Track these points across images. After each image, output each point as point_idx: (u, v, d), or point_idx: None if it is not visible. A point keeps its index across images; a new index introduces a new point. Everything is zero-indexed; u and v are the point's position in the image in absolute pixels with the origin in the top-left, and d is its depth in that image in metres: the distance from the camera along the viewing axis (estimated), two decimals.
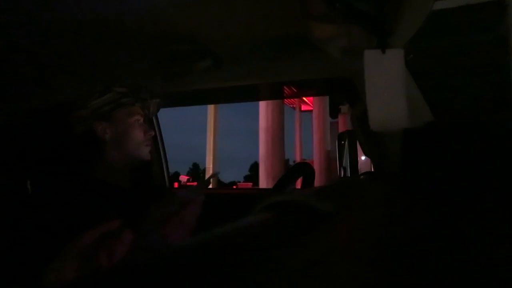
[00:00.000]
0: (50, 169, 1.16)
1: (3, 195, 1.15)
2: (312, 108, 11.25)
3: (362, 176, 1.12)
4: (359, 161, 1.32)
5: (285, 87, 1.47)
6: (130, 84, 1.05)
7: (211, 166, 9.96)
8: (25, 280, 0.71)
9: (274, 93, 1.52)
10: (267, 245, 0.36)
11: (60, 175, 1.09)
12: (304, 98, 12.74)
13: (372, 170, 1.11)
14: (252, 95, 1.48)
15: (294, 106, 14.07)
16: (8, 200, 1.11)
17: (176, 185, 2.69)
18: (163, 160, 1.58)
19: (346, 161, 1.22)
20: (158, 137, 1.57)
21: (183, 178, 9.92)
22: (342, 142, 1.26)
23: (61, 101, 1.10)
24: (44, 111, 1.21)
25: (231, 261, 0.31)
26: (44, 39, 0.83)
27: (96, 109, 0.99)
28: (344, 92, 1.39)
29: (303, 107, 14.25)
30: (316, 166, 8.65)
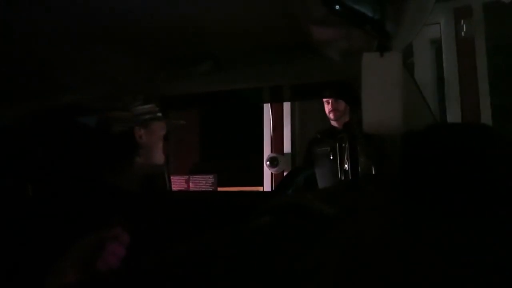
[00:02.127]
0: (60, 171, 1.16)
1: (6, 198, 1.15)
2: None
3: (363, 179, 1.12)
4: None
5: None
6: (126, 87, 1.08)
7: None
8: (27, 283, 0.71)
9: (275, 96, 1.53)
10: (270, 248, 0.36)
11: (69, 178, 1.10)
12: None
13: (373, 173, 1.11)
14: (253, 98, 1.48)
15: None
16: (11, 202, 1.11)
17: None
18: (164, 164, 1.58)
19: (347, 164, 1.22)
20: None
21: None
22: (343, 145, 1.26)
23: (63, 102, 1.11)
24: (51, 111, 1.22)
25: (235, 264, 0.31)
26: (45, 40, 0.83)
27: (138, 115, 1.07)
28: (344, 95, 1.39)
29: None
30: None
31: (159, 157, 1.10)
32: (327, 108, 2.17)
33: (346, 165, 1.21)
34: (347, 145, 1.20)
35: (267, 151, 3.04)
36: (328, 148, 2.05)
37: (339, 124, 2.14)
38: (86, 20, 0.74)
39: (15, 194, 1.20)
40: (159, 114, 1.11)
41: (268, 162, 2.86)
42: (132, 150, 1.05)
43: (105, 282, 0.31)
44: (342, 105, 2.10)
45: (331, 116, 2.15)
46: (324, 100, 2.18)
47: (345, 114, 2.12)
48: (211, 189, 2.45)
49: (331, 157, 2.04)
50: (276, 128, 3.08)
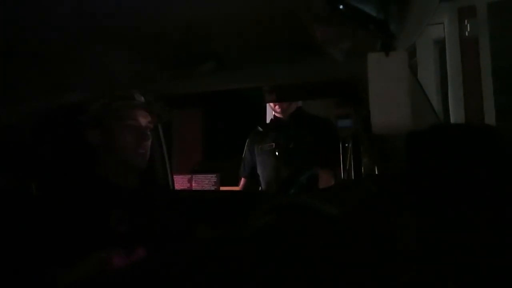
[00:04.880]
0: (56, 169, 1.17)
1: (9, 197, 1.15)
2: None
3: (366, 179, 1.12)
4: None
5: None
6: (129, 87, 1.04)
7: None
8: (31, 280, 0.72)
9: (278, 96, 1.52)
10: (272, 247, 0.36)
11: (66, 175, 1.10)
12: None
13: (376, 173, 1.11)
14: (256, 97, 1.48)
15: None
16: (14, 201, 1.12)
17: None
18: (167, 162, 1.58)
19: (350, 163, 1.22)
20: (161, 139, 1.57)
21: None
22: (346, 144, 1.26)
23: (65, 102, 1.11)
24: (49, 112, 1.22)
25: (237, 263, 0.31)
26: (46, 40, 0.83)
27: (94, 115, 0.99)
28: (347, 95, 1.38)
29: None
30: None
31: (123, 152, 0.98)
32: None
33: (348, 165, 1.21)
34: (350, 145, 1.20)
35: None
36: (273, 144, 1.88)
37: (285, 115, 1.96)
38: (90, 20, 0.74)
39: (19, 192, 1.21)
40: (117, 104, 0.99)
41: None
42: (93, 151, 1.00)
43: (107, 281, 0.31)
44: None
45: (277, 108, 1.96)
46: None
47: (291, 105, 1.95)
48: (213, 189, 2.45)
49: (277, 153, 1.84)
50: None
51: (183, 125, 3.67)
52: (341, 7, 0.66)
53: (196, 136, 3.89)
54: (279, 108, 1.95)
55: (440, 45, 2.52)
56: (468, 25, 2.35)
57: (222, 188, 2.50)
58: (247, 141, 2.07)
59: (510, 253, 0.32)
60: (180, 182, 2.40)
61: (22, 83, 1.10)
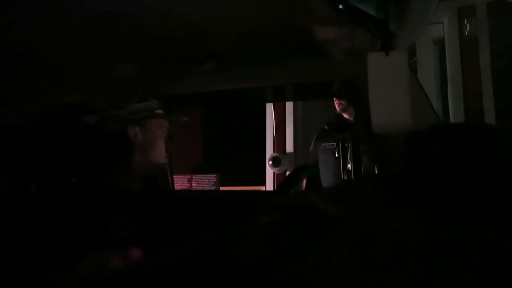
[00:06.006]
0: (61, 170, 1.17)
1: (10, 197, 1.16)
2: None
3: (366, 179, 1.11)
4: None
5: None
6: (129, 87, 1.07)
7: None
8: (30, 280, 0.72)
9: (278, 96, 1.53)
10: (272, 247, 0.36)
11: (72, 176, 1.10)
12: None
13: (376, 173, 1.11)
14: (256, 97, 1.48)
15: None
16: (14, 201, 1.12)
17: None
18: (167, 164, 1.58)
19: (350, 163, 1.22)
20: None
21: None
22: (346, 144, 1.26)
23: (67, 101, 1.11)
24: (55, 111, 1.23)
25: (238, 263, 0.31)
26: (48, 40, 0.84)
27: (132, 113, 1.04)
28: (348, 94, 1.39)
29: None
30: None
31: (159, 155, 1.06)
32: (335, 99, 2.03)
33: (349, 165, 1.21)
34: (350, 145, 1.20)
35: (269, 151, 3.05)
36: (335, 143, 1.94)
37: (349, 115, 2.01)
38: (92, 20, 0.74)
39: (19, 192, 1.21)
40: (158, 111, 1.08)
41: (270, 162, 2.86)
42: (126, 149, 1.03)
43: (108, 280, 0.31)
44: None
45: (337, 106, 2.01)
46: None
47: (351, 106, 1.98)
48: (213, 189, 2.46)
49: (336, 155, 1.95)
50: (279, 128, 3.08)
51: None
52: (341, 6, 0.66)
53: (196, 136, 3.89)
54: (338, 106, 2.00)
55: (440, 44, 2.52)
56: (468, 24, 2.35)
57: (222, 188, 2.51)
58: (314, 137, 2.20)
59: (509, 253, 0.32)
60: (180, 182, 2.41)
61: (23, 84, 1.10)
